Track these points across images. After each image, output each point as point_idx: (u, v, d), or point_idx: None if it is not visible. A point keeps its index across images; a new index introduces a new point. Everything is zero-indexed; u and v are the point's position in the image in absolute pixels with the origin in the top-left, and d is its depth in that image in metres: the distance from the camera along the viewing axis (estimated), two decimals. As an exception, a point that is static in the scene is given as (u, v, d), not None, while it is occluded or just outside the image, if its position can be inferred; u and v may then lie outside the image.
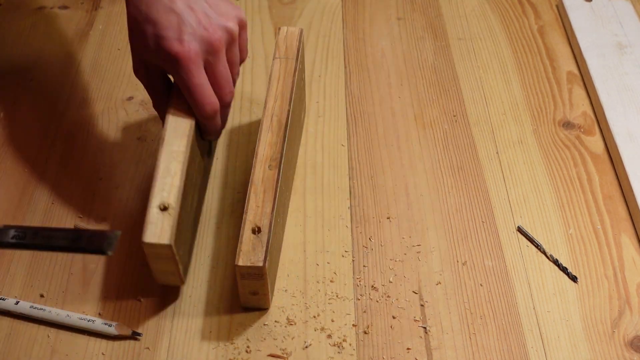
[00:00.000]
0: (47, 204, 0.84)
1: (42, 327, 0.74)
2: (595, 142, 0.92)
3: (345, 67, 1.01)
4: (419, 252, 0.80)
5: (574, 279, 0.78)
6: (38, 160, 0.89)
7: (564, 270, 0.78)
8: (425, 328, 0.74)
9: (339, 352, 0.72)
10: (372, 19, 1.09)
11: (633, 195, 0.83)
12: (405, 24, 1.08)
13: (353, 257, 0.80)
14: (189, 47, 0.72)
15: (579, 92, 0.98)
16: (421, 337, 0.73)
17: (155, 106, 0.80)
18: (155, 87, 0.78)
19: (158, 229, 0.68)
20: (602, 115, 0.93)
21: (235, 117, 0.94)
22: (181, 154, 0.72)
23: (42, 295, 0.76)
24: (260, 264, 0.68)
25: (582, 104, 0.96)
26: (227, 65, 0.76)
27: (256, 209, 0.71)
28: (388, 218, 0.83)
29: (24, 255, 0.79)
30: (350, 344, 0.72)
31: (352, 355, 0.72)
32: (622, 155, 0.87)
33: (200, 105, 0.74)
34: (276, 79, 0.81)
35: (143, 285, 0.77)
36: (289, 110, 0.79)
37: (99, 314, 0.75)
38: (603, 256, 0.80)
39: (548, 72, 1.01)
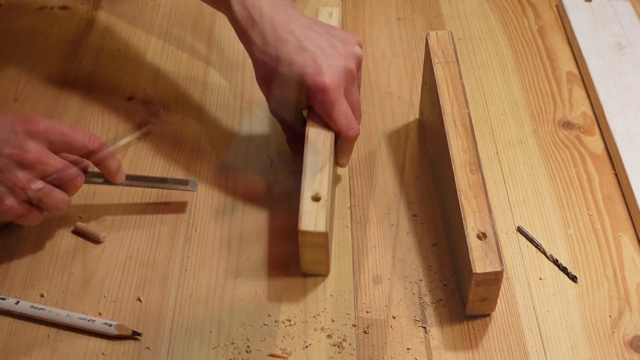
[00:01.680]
0: (47, 204, 0.84)
1: (42, 327, 0.74)
2: (595, 142, 0.92)
3: (345, 68, 1.01)
4: (419, 252, 0.80)
5: (573, 278, 0.78)
6: (38, 161, 0.89)
7: (563, 270, 0.78)
8: (425, 328, 0.74)
9: (339, 352, 0.72)
10: (372, 19, 1.09)
11: (633, 195, 0.83)
12: (405, 24, 1.08)
13: (353, 257, 0.80)
14: (332, 78, 0.76)
15: (579, 92, 0.98)
16: (421, 337, 0.73)
17: (289, 141, 0.85)
18: (292, 123, 0.82)
19: (313, 217, 0.71)
20: (601, 115, 0.93)
21: (235, 117, 0.94)
22: (327, 149, 0.77)
23: (42, 295, 0.76)
24: (499, 269, 0.68)
25: (581, 104, 0.97)
26: (357, 89, 0.81)
27: (474, 215, 0.71)
28: (388, 218, 0.83)
29: (24, 255, 0.79)
30: (350, 344, 0.72)
31: (352, 355, 0.72)
32: (622, 155, 0.87)
33: (347, 129, 0.78)
34: (445, 84, 0.82)
35: (143, 285, 0.77)
36: (468, 113, 0.79)
37: (99, 314, 0.75)
38: (603, 256, 0.80)
39: (548, 72, 1.01)
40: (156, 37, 1.03)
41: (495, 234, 0.70)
